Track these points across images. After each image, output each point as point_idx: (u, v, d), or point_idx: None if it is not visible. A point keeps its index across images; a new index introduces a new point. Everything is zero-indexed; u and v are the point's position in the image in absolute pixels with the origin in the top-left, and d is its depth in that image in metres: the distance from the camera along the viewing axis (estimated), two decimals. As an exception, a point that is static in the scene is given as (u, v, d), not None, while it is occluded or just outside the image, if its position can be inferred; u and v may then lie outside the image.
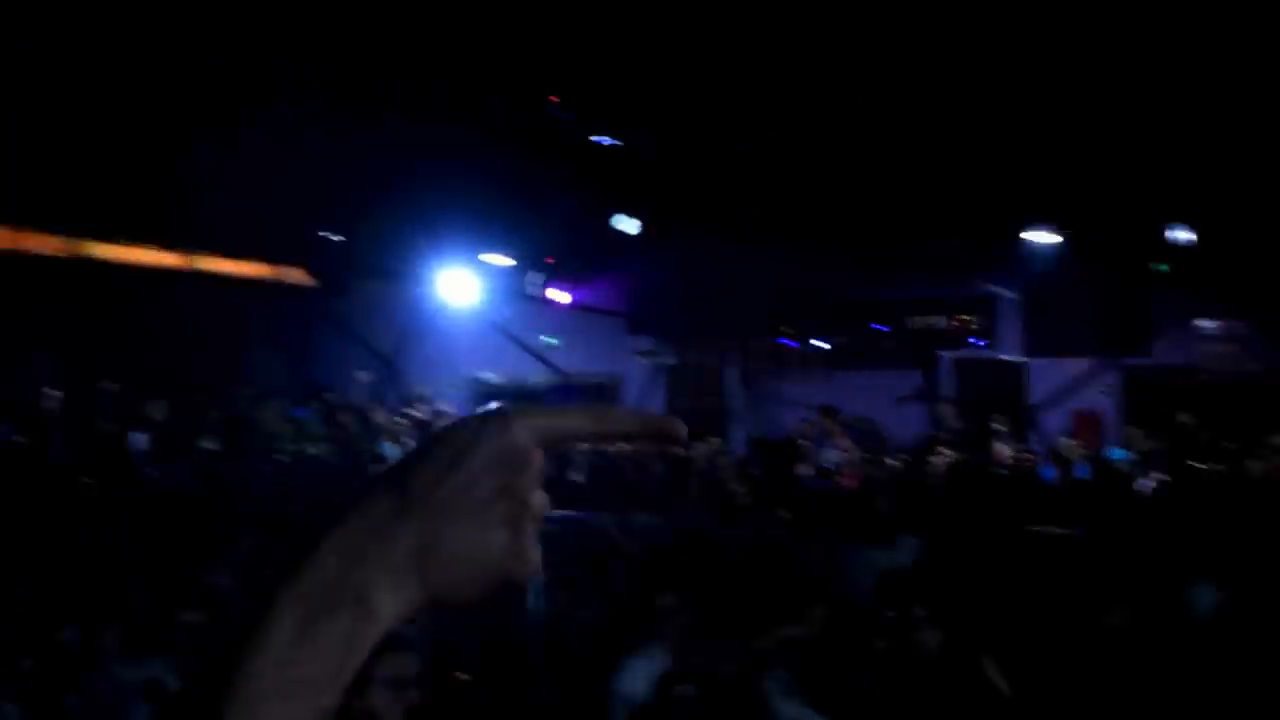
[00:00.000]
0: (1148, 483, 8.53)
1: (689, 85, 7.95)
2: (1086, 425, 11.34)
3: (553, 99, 8.81)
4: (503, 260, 12.53)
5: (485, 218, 10.99)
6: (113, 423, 9.39)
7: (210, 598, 5.55)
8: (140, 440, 9.16)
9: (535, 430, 0.68)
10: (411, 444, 11.15)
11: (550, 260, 12.76)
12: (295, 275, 13.02)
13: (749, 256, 11.20)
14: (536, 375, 13.84)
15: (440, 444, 0.68)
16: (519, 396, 13.34)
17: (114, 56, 7.36)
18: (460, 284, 12.54)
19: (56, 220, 10.23)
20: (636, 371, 13.46)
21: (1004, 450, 9.19)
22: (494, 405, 0.71)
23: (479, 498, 0.66)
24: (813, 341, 12.80)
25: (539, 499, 0.68)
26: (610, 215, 10.94)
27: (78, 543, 7.04)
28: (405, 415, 11.87)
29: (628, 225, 10.83)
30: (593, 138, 9.35)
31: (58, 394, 9.04)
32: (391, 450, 10.78)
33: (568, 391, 13.30)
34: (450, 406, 12.26)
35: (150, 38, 7.17)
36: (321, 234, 11.93)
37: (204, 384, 11.01)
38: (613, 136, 9.38)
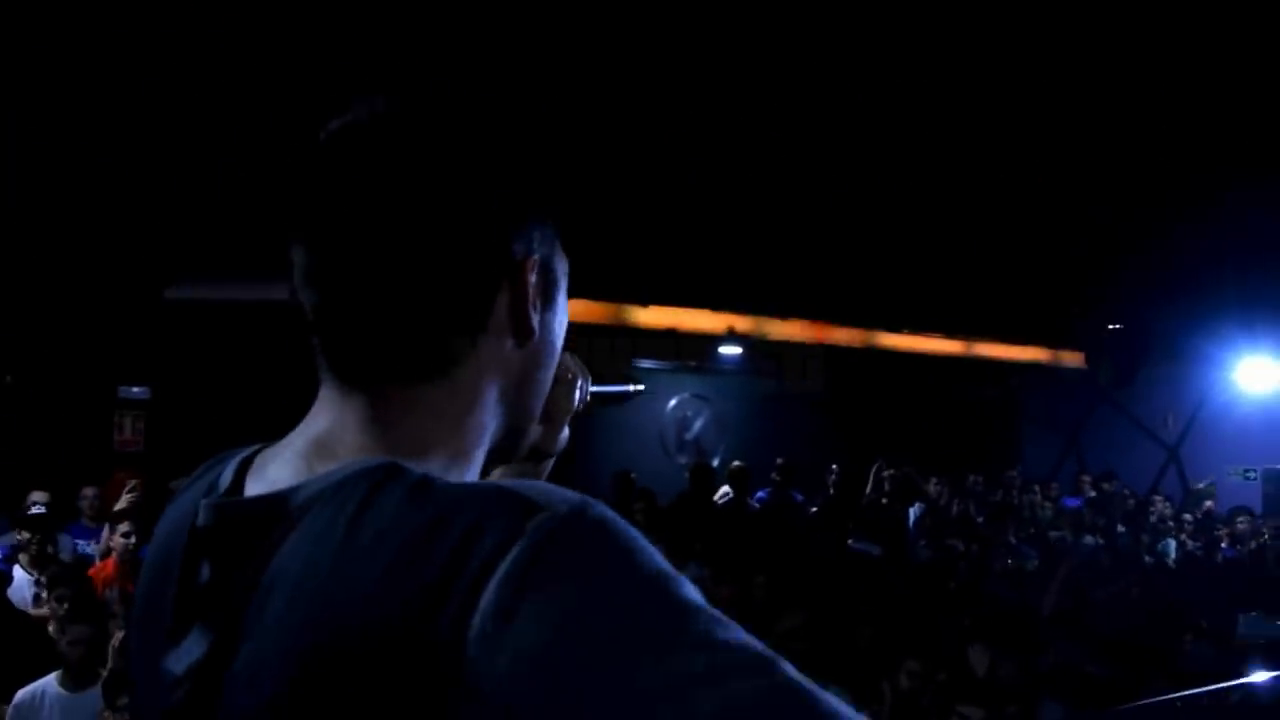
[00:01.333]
0: None
1: None
2: None
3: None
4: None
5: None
6: (894, 499, 10.21)
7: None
8: (911, 515, 9.85)
9: None
10: (1194, 543, 10.49)
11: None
12: (1073, 358, 12.99)
13: None
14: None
15: None
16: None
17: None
18: (1262, 369, 11.56)
19: (856, 315, 11.55)
20: None
21: None
22: None
23: None
24: None
25: None
26: None
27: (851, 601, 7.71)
28: (1189, 509, 11.14)
29: None
30: None
31: (834, 467, 10.19)
32: (1171, 547, 10.16)
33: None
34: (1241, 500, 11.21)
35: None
36: (1109, 326, 11.92)
37: (978, 464, 11.44)
38: None
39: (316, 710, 0.69)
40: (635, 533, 0.70)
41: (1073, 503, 10.96)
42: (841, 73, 6.79)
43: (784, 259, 9.44)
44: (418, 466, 0.77)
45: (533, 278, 0.86)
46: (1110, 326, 11.76)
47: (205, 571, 0.80)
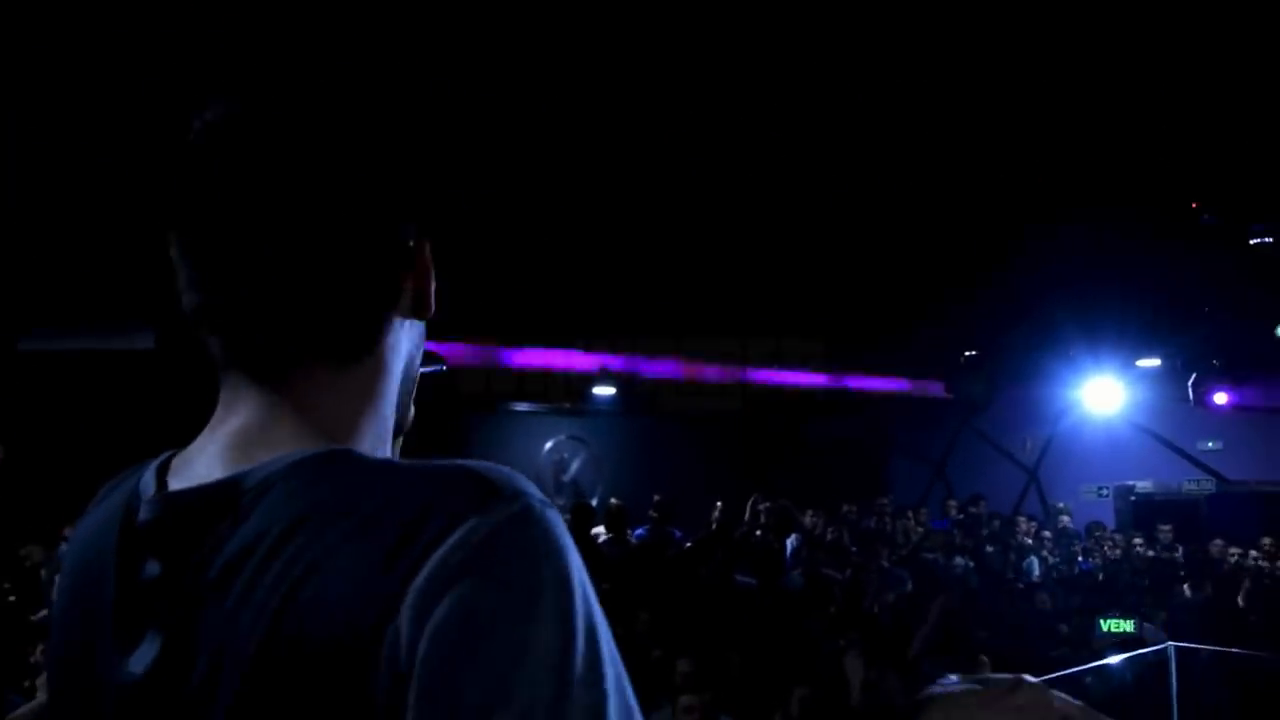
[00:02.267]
0: None
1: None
2: None
3: (1194, 205, 8.66)
4: (1153, 363, 11.95)
5: (1139, 323, 10.75)
6: (770, 531, 10.37)
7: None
8: (789, 545, 10.03)
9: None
10: (1054, 558, 10.95)
11: (1215, 361, 11.91)
12: (935, 388, 13.46)
13: None
14: (1193, 483, 12.74)
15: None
16: (1173, 504, 12.37)
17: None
18: (1107, 390, 12.15)
19: (725, 353, 11.76)
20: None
21: None
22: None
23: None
24: None
25: None
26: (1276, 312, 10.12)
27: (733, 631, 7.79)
28: (1049, 528, 11.60)
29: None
30: (1252, 239, 8.92)
31: (719, 504, 10.32)
32: (1034, 565, 10.58)
33: (1233, 499, 12.04)
34: (1098, 516, 11.75)
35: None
36: (965, 354, 12.40)
37: (850, 495, 11.70)
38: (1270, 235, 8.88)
39: (278, 696, 0.70)
40: (573, 552, 0.73)
41: (941, 525, 11.31)
42: (701, 112, 6.98)
43: (654, 298, 9.60)
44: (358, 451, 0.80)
45: (428, 255, 0.88)
46: (966, 353, 12.23)
47: (152, 568, 0.79)
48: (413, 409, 1.10)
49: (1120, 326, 10.81)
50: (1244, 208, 8.73)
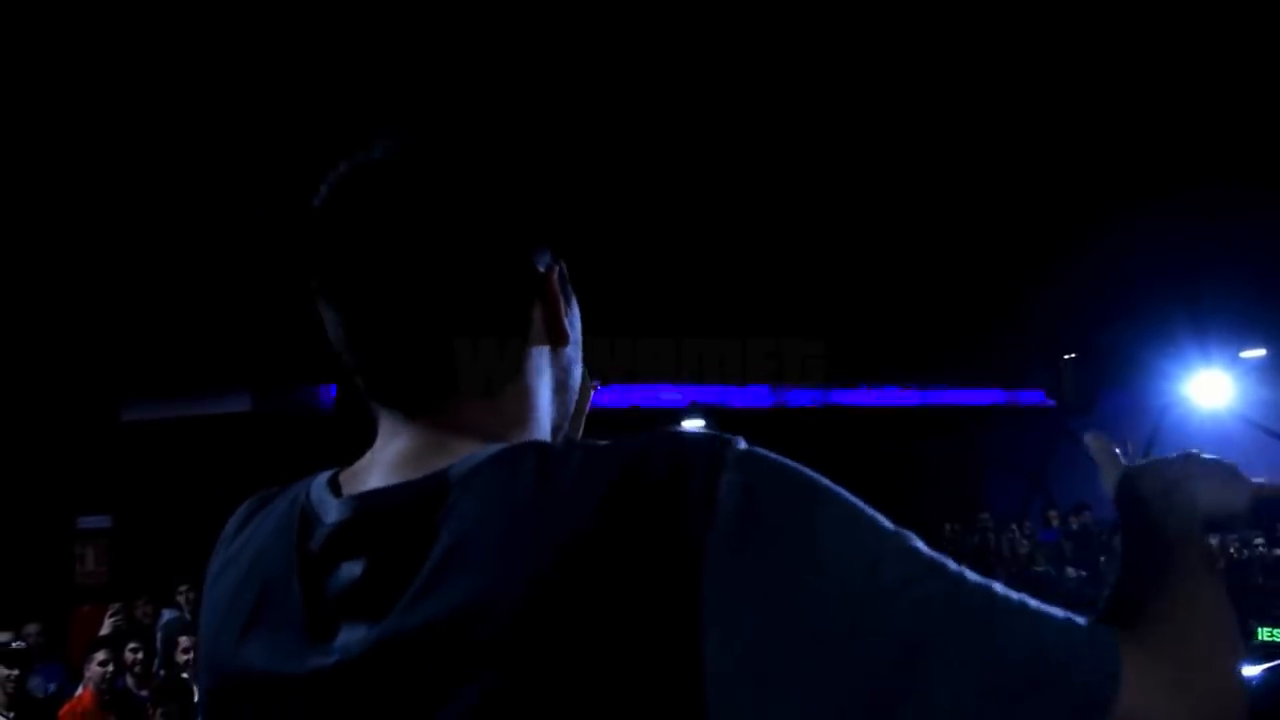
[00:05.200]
0: None
1: None
2: None
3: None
4: (1258, 353, 11.55)
5: (1244, 309, 10.36)
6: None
7: None
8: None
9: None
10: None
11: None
12: (1029, 396, 13.13)
13: None
14: (1315, 478, 12.23)
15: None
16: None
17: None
18: (1213, 384, 11.73)
19: (814, 374, 11.57)
20: None
21: None
22: None
23: None
24: None
25: None
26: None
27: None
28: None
29: None
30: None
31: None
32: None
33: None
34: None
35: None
36: (1065, 357, 12.04)
37: (947, 512, 11.43)
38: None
39: (553, 634, 0.70)
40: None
41: (1048, 537, 10.99)
42: (773, 123, 6.87)
43: (741, 326, 9.42)
44: None
45: (557, 285, 0.91)
46: (1066, 356, 11.90)
47: (352, 568, 0.79)
48: (581, 426, 1.11)
49: (1227, 313, 10.39)
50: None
